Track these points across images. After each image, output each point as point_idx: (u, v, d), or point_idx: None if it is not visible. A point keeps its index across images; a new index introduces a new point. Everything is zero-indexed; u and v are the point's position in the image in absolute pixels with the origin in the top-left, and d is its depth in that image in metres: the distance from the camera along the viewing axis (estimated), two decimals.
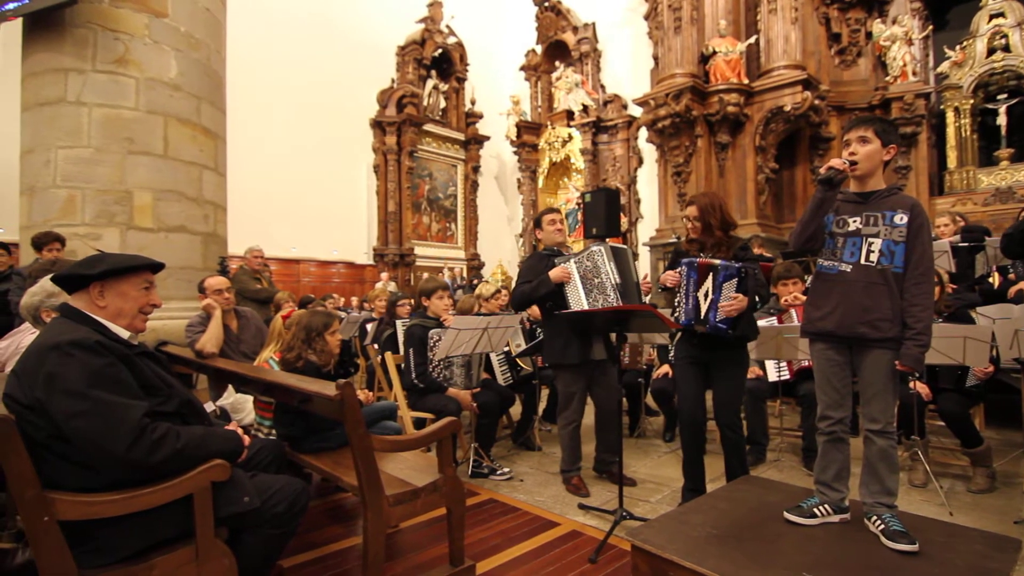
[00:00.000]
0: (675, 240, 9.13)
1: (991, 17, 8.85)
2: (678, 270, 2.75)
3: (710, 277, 2.63)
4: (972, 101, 8.99)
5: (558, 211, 3.70)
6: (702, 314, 2.64)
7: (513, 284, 3.64)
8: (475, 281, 11.57)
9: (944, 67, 9.14)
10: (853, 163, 2.00)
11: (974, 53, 8.94)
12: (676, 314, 2.75)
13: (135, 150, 4.31)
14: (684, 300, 2.71)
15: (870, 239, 1.98)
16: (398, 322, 4.71)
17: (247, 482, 1.76)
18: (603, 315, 2.98)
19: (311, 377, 2.50)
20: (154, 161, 4.40)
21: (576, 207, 12.42)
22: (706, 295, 2.64)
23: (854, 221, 2.03)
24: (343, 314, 6.77)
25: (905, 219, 1.94)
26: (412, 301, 5.51)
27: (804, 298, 3.48)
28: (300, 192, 10.90)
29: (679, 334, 2.93)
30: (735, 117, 8.90)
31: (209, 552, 1.63)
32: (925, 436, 3.50)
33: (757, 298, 2.81)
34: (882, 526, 1.87)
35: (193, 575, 1.62)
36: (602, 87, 12.33)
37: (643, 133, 10.68)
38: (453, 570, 2.26)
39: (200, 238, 4.74)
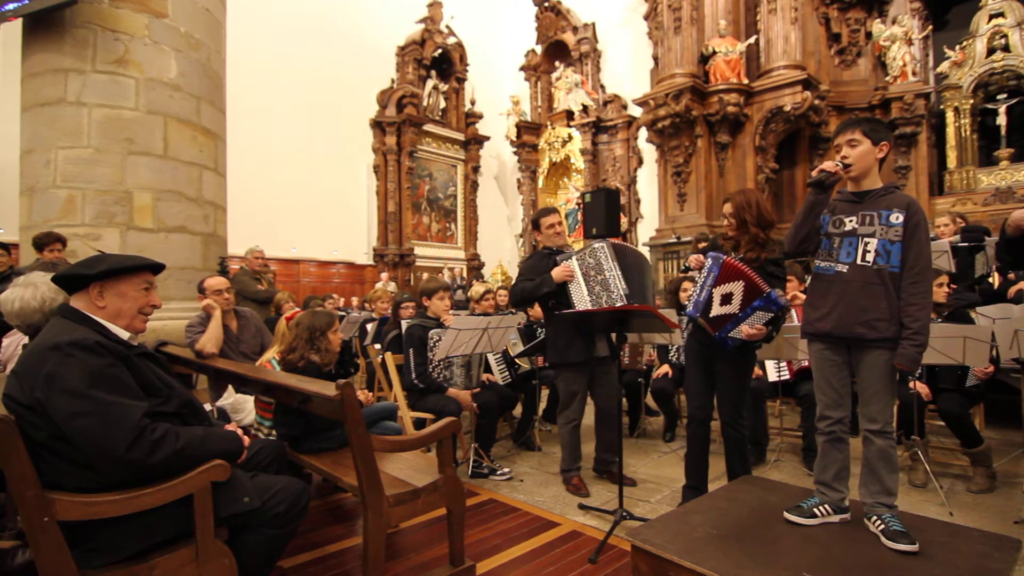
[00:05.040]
0: (675, 240, 9.16)
1: (991, 17, 8.84)
2: (707, 256, 2.71)
3: (740, 288, 2.52)
4: (972, 101, 8.99)
5: (556, 212, 3.62)
6: (711, 313, 2.61)
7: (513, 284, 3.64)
8: (473, 282, 11.56)
9: (944, 67, 9.14)
10: (846, 166, 2.00)
11: (974, 53, 8.94)
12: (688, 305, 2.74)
13: (135, 150, 4.31)
14: (698, 291, 2.67)
15: (866, 239, 1.97)
16: (403, 322, 4.70)
17: (247, 482, 1.76)
18: (604, 315, 2.97)
19: (312, 377, 2.50)
20: (154, 161, 4.40)
21: (576, 207, 12.41)
22: (724, 300, 2.57)
23: (850, 221, 2.02)
24: (343, 314, 6.76)
25: (901, 218, 1.93)
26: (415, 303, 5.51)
27: (804, 297, 3.47)
28: (300, 192, 10.89)
29: (689, 327, 2.91)
30: (735, 117, 8.90)
31: (209, 552, 1.63)
32: (925, 436, 3.50)
33: (775, 333, 2.73)
34: (882, 526, 1.87)
35: (193, 575, 1.62)
36: (602, 87, 12.32)
37: (643, 133, 10.67)
38: (453, 570, 2.27)
39: (200, 238, 4.74)
